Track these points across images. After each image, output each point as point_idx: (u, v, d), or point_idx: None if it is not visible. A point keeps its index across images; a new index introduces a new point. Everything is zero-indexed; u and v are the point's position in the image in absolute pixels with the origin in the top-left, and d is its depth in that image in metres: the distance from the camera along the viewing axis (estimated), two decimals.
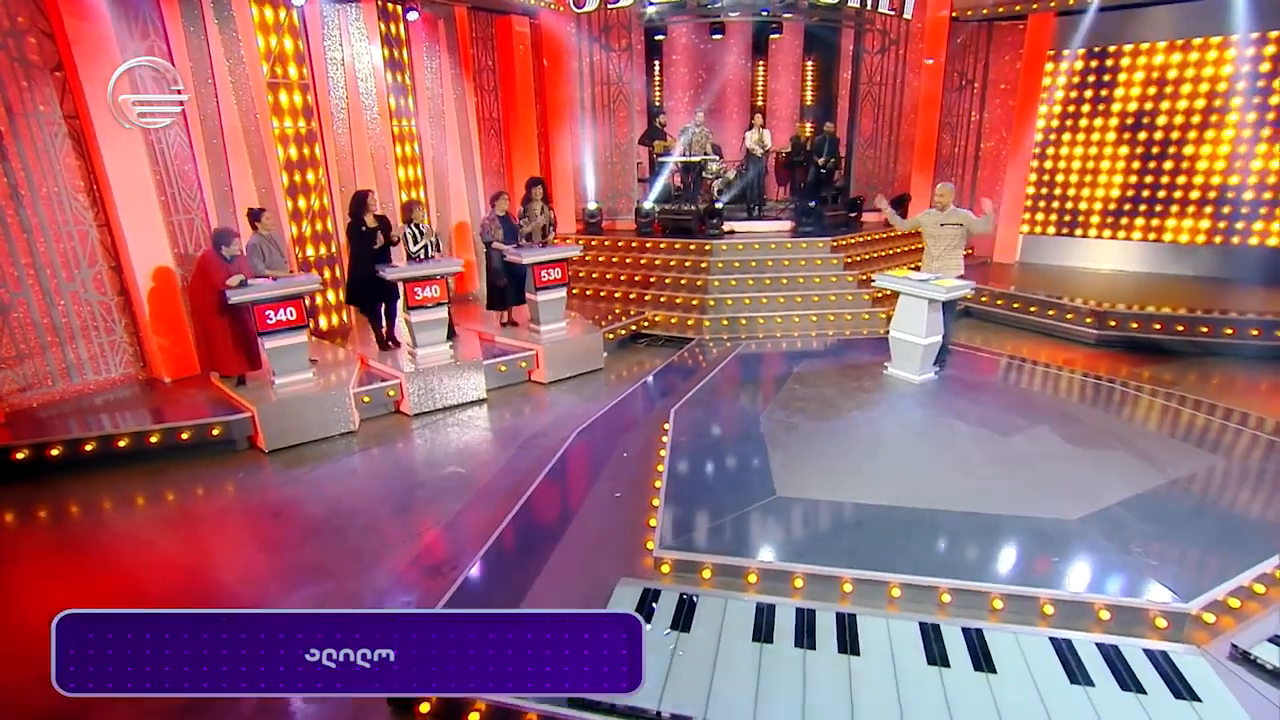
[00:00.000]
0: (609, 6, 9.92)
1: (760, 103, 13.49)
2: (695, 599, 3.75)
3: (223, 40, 7.11)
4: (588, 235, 10.73)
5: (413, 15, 8.26)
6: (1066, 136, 10.82)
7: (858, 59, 10.69)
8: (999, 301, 9.48)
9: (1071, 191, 10.97)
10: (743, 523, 4.39)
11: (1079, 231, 11.04)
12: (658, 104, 13.23)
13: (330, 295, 8.34)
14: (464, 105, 9.50)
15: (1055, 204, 11.11)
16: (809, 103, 13.21)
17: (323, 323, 8.31)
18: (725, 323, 8.86)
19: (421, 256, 7.38)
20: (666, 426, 5.87)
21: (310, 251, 8.08)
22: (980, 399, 6.18)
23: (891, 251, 10.36)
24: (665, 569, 4.11)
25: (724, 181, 12.16)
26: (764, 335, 8.72)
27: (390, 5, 8.18)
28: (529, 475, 5.55)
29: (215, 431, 6.08)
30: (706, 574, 4.02)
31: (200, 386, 6.89)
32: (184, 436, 5.99)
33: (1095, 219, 10.89)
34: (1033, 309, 9.12)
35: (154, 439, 5.92)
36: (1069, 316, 8.78)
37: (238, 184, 7.45)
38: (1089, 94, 10.49)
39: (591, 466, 5.64)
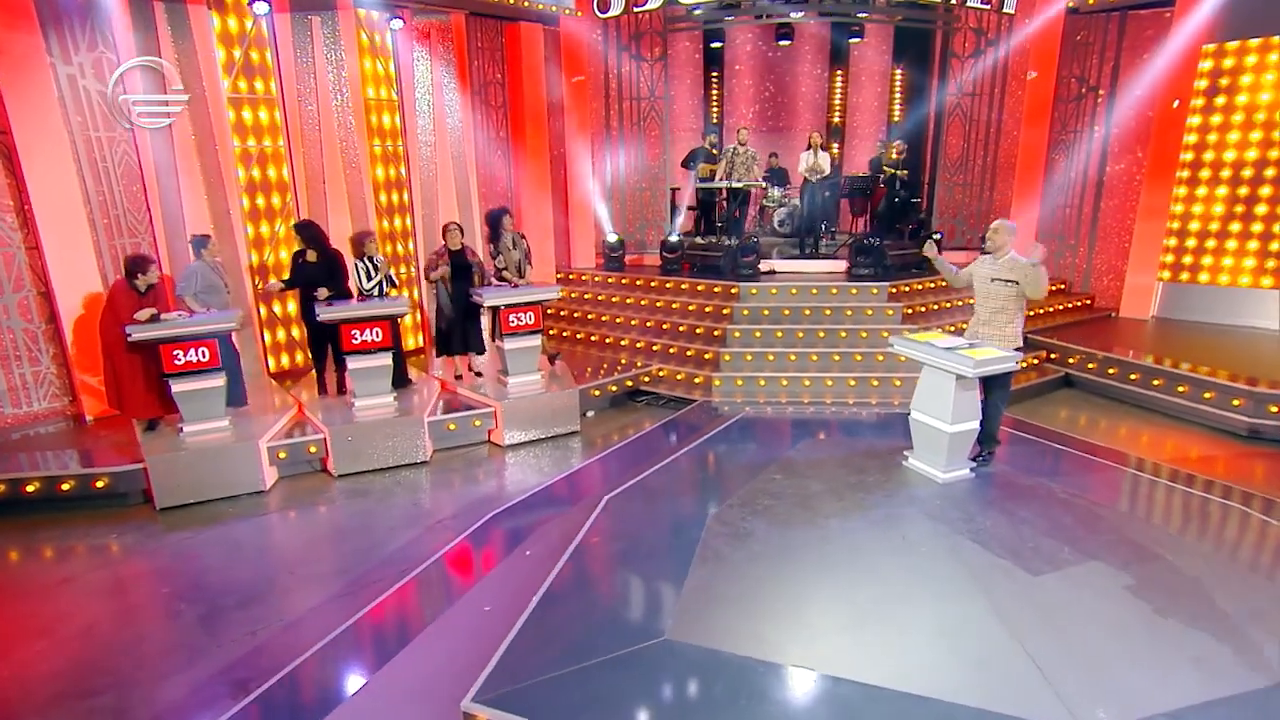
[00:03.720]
0: (635, 9, 9.43)
1: (837, 119, 12.56)
2: None
3: (177, 52, 7.21)
4: (606, 271, 10.16)
5: (397, 24, 8.13)
6: (1230, 155, 9.09)
7: (944, 64, 9.56)
8: (1110, 370, 7.93)
9: (1235, 226, 9.17)
10: (596, 676, 3.52)
11: (1244, 280, 9.19)
12: (715, 121, 12.63)
13: (295, 331, 8.23)
14: (464, 123, 9.26)
15: (1210, 243, 9.33)
16: (897, 119, 12.11)
17: (285, 361, 8.21)
18: (740, 383, 7.93)
19: (376, 294, 7.08)
20: (590, 519, 5.07)
21: (273, 281, 7.99)
22: (1022, 513, 4.93)
23: (968, 302, 8.99)
24: None
25: (787, 212, 11.32)
26: (787, 401, 7.70)
27: (374, 14, 8.08)
28: (412, 567, 4.98)
29: (99, 484, 5.92)
30: None
31: (119, 428, 6.83)
32: (64, 487, 5.86)
33: (1272, 263, 9.03)
34: (1156, 382, 7.53)
35: (31, 488, 5.83)
36: (1207, 396, 7.15)
37: (190, 207, 7.49)
38: (1265, 98, 8.73)
39: (481, 565, 4.94)
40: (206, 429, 6.34)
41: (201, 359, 6.22)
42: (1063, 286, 10.05)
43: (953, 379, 5.19)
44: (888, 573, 4.29)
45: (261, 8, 7.28)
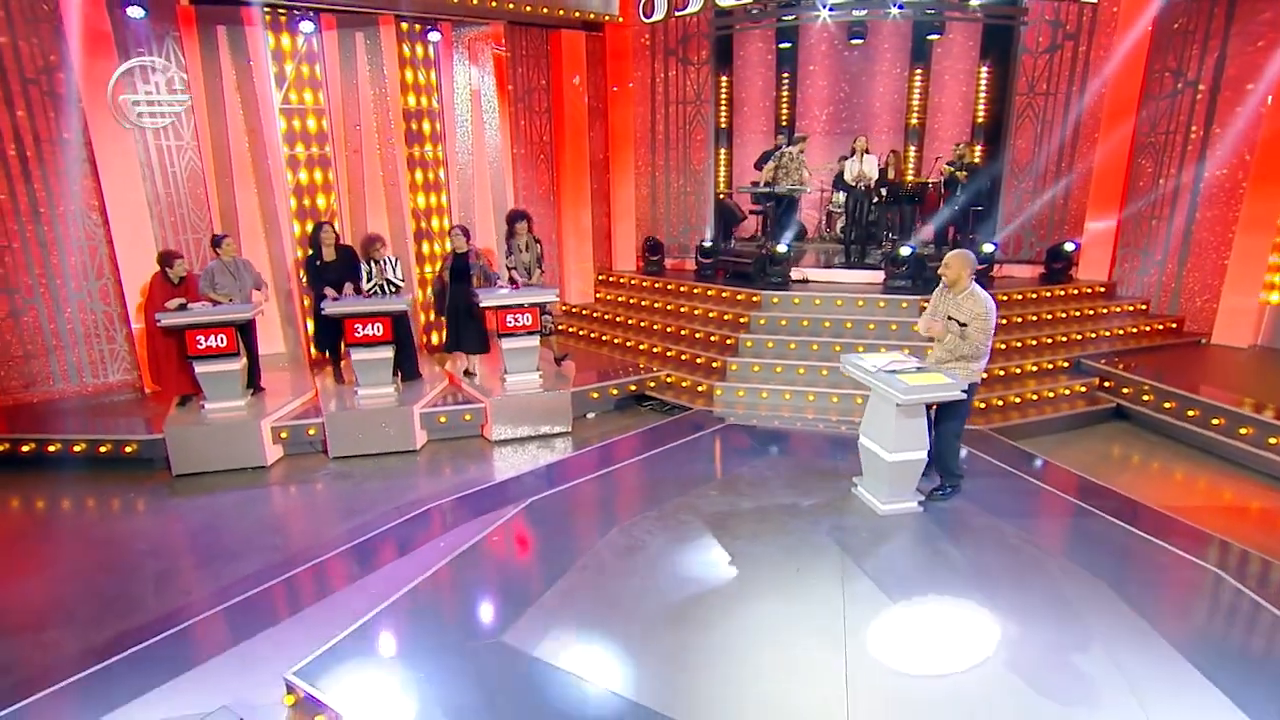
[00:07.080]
0: (676, 14, 9.37)
1: (915, 120, 11.79)
2: None
3: (235, 67, 8.02)
4: (645, 275, 10.15)
5: (434, 36, 8.57)
6: None
7: (1015, 61, 8.75)
8: (1167, 404, 6.95)
9: None
10: (415, 667, 3.61)
11: None
12: (785, 124, 12.27)
13: None
14: (504, 128, 9.58)
15: None
16: (981, 120, 11.18)
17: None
18: (741, 394, 7.69)
19: (377, 294, 7.52)
20: (503, 519, 5.16)
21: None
22: (952, 554, 4.48)
23: (1013, 319, 8.19)
24: (289, 700, 3.57)
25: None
26: (790, 415, 7.37)
27: (416, 25, 8.57)
28: (340, 547, 5.29)
29: (129, 449, 6.73)
30: None
31: (167, 402, 7.69)
32: (102, 450, 6.73)
33: None
34: (1216, 421, 6.52)
35: (78, 448, 6.73)
36: (1272, 441, 6.11)
37: (243, 207, 8.31)
38: None
39: (395, 551, 5.15)
40: (225, 407, 7.02)
41: (220, 345, 6.90)
42: (1144, 307, 8.86)
43: (894, 404, 4.79)
44: (754, 608, 4.04)
45: (307, 26, 7.95)
